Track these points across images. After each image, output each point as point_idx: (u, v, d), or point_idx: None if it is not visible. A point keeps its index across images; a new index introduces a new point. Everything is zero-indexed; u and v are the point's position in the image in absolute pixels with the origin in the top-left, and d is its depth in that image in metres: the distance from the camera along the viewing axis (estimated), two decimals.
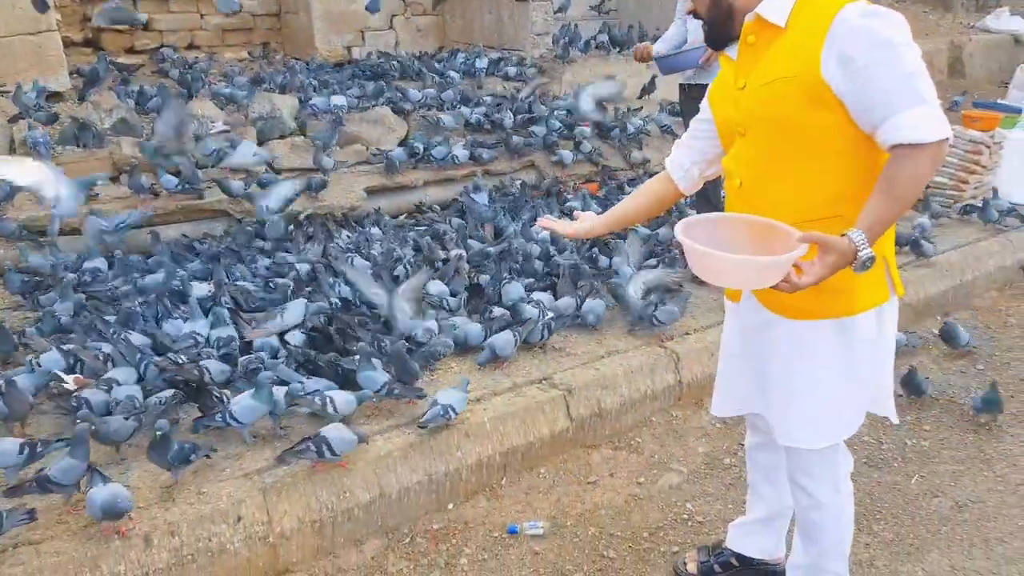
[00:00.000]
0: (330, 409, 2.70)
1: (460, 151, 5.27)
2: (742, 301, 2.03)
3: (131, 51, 7.19)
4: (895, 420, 2.05)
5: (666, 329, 3.59)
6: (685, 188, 2.20)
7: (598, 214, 2.30)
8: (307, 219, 4.66)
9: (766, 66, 1.78)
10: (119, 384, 2.81)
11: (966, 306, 4.62)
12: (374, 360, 2.95)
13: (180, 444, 2.45)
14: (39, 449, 2.44)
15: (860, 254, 1.63)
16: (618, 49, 7.11)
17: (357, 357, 2.95)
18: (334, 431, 2.55)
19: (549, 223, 2.26)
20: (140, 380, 2.91)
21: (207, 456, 2.55)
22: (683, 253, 1.78)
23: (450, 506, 2.82)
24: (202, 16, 7.40)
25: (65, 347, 3.02)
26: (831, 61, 1.66)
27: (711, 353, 3.53)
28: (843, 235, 1.63)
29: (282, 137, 5.20)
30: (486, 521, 2.78)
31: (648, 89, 6.52)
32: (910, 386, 3.51)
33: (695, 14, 2.00)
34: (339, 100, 5.32)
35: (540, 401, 3.06)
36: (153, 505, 2.40)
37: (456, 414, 2.78)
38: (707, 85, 4.23)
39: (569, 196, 5.16)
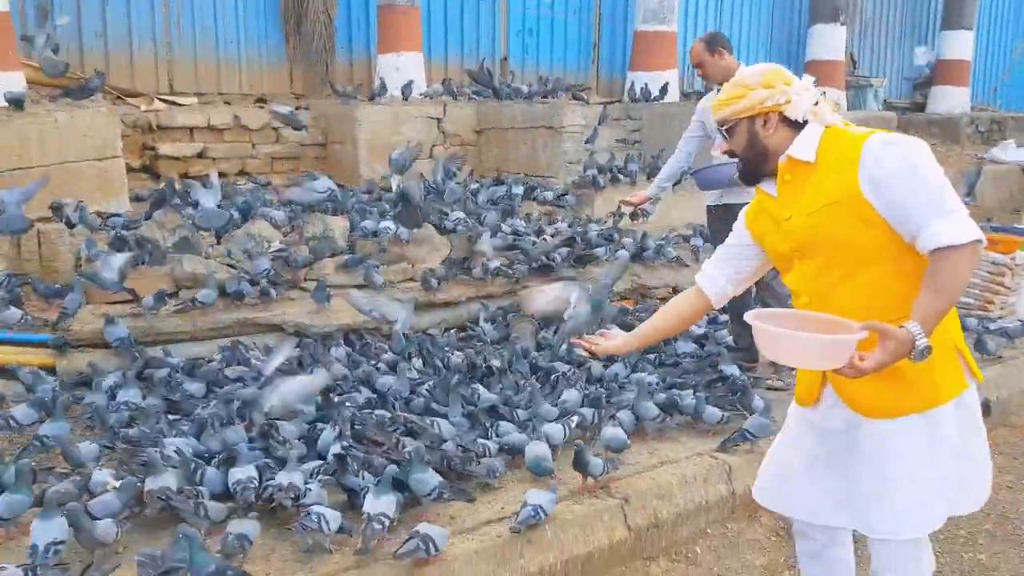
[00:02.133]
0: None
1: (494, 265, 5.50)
2: (821, 404, 2.13)
3: (185, 176, 7.61)
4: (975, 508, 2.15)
5: (756, 442, 3.63)
6: (716, 302, 2.39)
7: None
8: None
9: (810, 197, 2.01)
10: None
11: (1003, 423, 4.67)
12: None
13: None
14: None
15: (917, 343, 1.79)
16: (646, 176, 7.45)
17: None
18: (431, 528, 2.67)
19: (585, 341, 2.45)
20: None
21: None
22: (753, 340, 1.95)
23: None
24: (253, 146, 7.87)
25: None
26: (865, 184, 1.90)
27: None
28: (901, 327, 1.80)
29: (333, 255, 5.44)
30: None
31: (648, 212, 6.69)
32: None
33: (732, 153, 2.22)
34: (387, 223, 5.61)
35: (598, 509, 3.12)
36: None
37: (546, 515, 2.86)
38: (729, 206, 4.56)
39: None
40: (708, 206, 4.79)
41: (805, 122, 2.04)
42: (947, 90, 12.40)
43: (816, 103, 2.03)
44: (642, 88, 8.82)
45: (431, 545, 2.65)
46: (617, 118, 8.54)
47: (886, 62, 13.51)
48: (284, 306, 4.93)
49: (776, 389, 4.39)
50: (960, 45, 12.43)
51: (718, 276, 2.34)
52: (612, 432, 3.43)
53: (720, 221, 4.73)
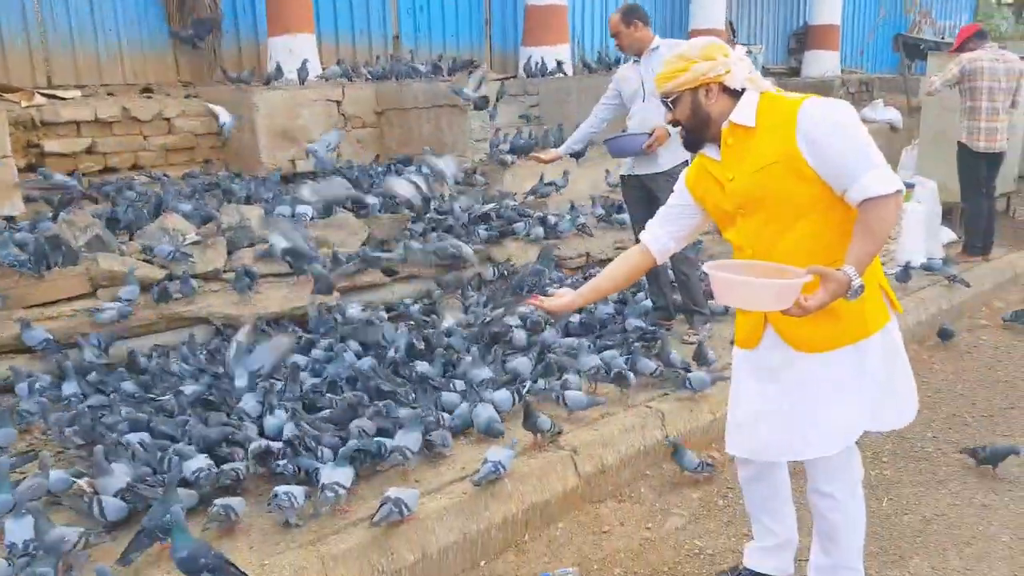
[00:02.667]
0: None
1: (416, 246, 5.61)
2: (762, 344, 2.38)
3: (71, 174, 7.31)
4: (911, 417, 2.44)
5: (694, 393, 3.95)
6: (659, 258, 2.60)
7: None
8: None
9: (752, 158, 2.24)
10: None
11: None
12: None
13: None
14: None
15: (853, 283, 2.05)
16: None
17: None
18: (401, 491, 2.83)
19: (535, 302, 2.63)
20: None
21: None
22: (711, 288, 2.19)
23: (482, 563, 3.03)
24: (145, 138, 7.62)
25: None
26: (802, 144, 2.13)
27: (690, 410, 3.90)
28: (839, 269, 2.05)
29: (251, 245, 5.42)
30: (519, 574, 2.99)
31: (560, 184, 6.97)
32: None
33: (675, 122, 2.42)
34: (303, 208, 5.61)
35: (551, 461, 3.34)
36: None
37: (506, 469, 3.05)
38: (640, 176, 4.83)
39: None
40: (621, 176, 5.05)
41: (743, 90, 2.27)
42: (819, 54, 13.19)
43: (750, 72, 2.25)
44: (537, 63, 9.03)
45: (403, 507, 2.80)
46: (515, 94, 8.71)
47: (762, 29, 14.19)
48: (208, 298, 4.90)
49: (690, 343, 4.72)
50: (829, 10, 13.23)
51: (661, 234, 2.56)
52: (574, 396, 3.69)
53: (631, 189, 5.01)
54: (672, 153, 4.71)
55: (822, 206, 2.19)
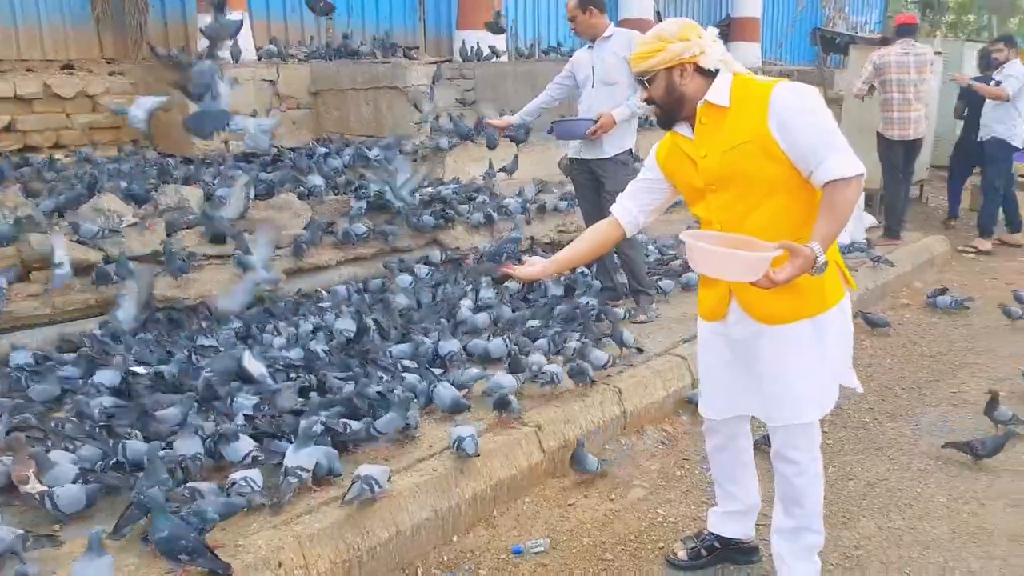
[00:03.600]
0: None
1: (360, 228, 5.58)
2: (728, 318, 2.49)
3: None
4: (860, 390, 2.59)
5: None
6: (629, 231, 2.68)
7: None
8: None
9: (725, 137, 2.32)
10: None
11: None
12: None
13: None
14: None
15: (819, 259, 2.16)
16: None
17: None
18: (371, 469, 2.84)
19: (509, 269, 2.67)
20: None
21: None
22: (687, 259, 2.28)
23: (454, 538, 3.07)
24: (68, 116, 7.32)
25: None
26: (774, 125, 2.23)
27: (644, 386, 4.02)
28: (806, 246, 2.16)
29: (190, 227, 5.29)
30: (490, 547, 3.05)
31: (510, 168, 7.05)
32: None
33: (650, 100, 2.49)
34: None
35: (516, 438, 3.40)
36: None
37: (476, 446, 3.09)
38: (586, 160, 4.92)
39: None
40: (569, 158, 5.14)
41: (716, 71, 2.35)
42: (741, 46, 13.55)
43: (723, 54, 2.34)
44: (473, 47, 9.02)
45: (374, 484, 2.81)
46: (451, 78, 8.68)
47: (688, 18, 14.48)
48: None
49: (640, 323, 4.85)
50: (751, 3, 13.63)
51: (631, 207, 2.63)
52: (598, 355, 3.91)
53: (578, 173, 5.11)
54: (618, 139, 4.82)
55: (790, 185, 2.29)
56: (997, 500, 3.35)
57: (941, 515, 3.25)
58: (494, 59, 9.13)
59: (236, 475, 2.82)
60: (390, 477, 2.92)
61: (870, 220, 7.72)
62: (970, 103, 8.28)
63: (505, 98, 8.58)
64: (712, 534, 2.90)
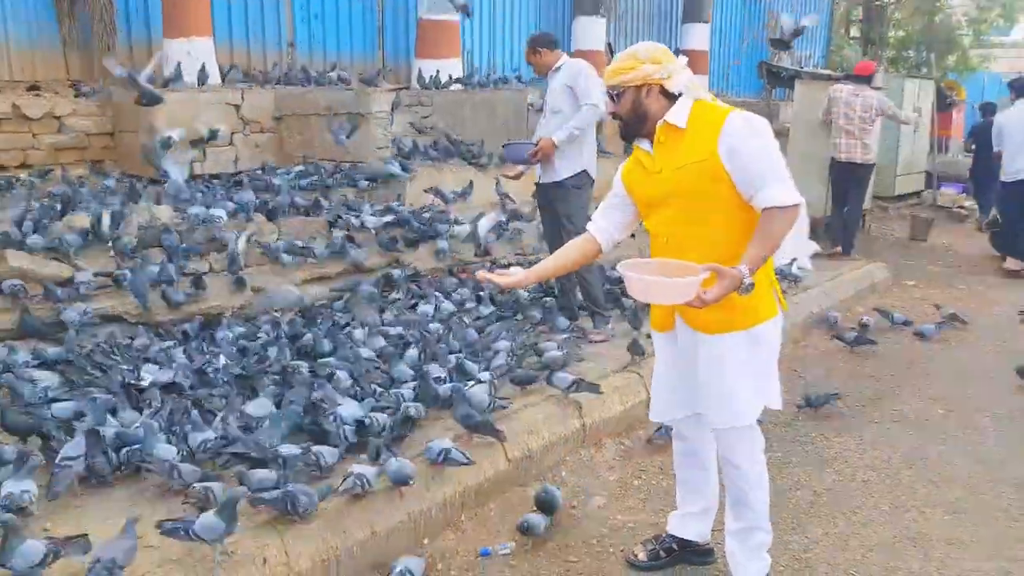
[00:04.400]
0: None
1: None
2: (676, 329, 2.71)
3: None
4: (780, 407, 2.79)
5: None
6: (605, 247, 2.89)
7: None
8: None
9: (678, 155, 2.55)
10: None
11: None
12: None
13: None
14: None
15: (745, 281, 2.38)
16: (460, 158, 7.92)
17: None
18: (364, 468, 3.05)
19: (487, 276, 2.81)
20: None
21: None
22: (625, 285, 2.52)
23: (425, 541, 3.21)
24: (34, 136, 7.32)
25: None
26: (723, 150, 2.46)
27: (603, 402, 4.21)
28: (734, 268, 2.38)
29: (160, 246, 5.36)
30: (459, 550, 3.20)
31: (467, 193, 7.23)
32: None
33: (615, 115, 2.71)
34: (218, 211, 5.58)
35: (482, 446, 3.56)
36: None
37: (461, 455, 3.30)
38: (544, 184, 5.14)
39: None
40: (536, 184, 5.38)
41: (679, 95, 2.57)
42: None
43: (690, 80, 2.56)
44: (431, 76, 9.25)
45: (365, 481, 3.01)
46: (409, 104, 8.87)
47: None
48: (119, 297, 4.83)
49: (598, 342, 5.06)
50: (699, 36, 14.12)
51: (605, 225, 2.84)
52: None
53: (540, 196, 5.38)
54: (569, 163, 5.07)
55: (731, 206, 2.51)
56: (936, 508, 3.60)
57: (884, 521, 3.49)
58: (454, 86, 9.35)
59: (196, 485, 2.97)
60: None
61: (813, 247, 8.08)
62: (977, 141, 9.94)
63: (463, 124, 8.83)
64: (671, 536, 3.09)
